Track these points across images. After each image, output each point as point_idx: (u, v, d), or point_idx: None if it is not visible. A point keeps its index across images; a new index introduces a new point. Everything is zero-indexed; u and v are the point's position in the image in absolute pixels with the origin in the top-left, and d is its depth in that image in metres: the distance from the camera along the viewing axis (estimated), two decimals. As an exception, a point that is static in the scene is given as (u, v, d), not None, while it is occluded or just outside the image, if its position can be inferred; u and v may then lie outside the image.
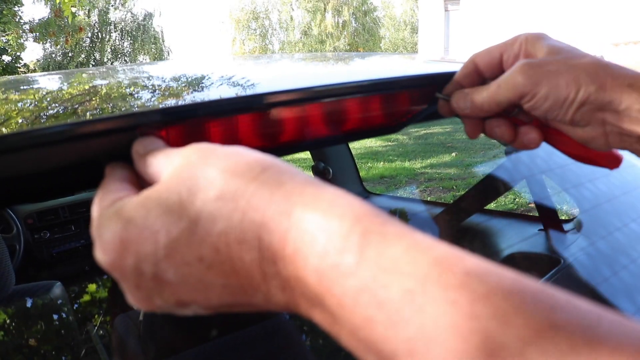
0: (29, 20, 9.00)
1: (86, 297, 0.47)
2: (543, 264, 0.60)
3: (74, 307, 0.46)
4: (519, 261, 0.59)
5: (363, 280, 0.21)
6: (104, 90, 0.47)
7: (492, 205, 0.71)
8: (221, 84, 0.47)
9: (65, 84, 0.56)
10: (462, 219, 0.68)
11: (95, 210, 0.31)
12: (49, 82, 0.59)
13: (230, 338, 0.42)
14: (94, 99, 0.44)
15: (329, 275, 0.22)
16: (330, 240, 0.23)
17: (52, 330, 0.43)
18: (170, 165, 0.30)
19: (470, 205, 0.70)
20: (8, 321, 0.44)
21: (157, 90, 0.46)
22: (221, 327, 0.45)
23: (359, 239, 0.22)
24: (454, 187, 4.16)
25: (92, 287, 0.49)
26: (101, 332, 0.44)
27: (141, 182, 0.36)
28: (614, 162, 0.49)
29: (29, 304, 0.46)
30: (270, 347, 0.43)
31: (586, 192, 0.86)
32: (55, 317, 0.45)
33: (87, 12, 14.89)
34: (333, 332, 0.23)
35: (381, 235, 0.22)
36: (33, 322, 0.44)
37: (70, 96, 0.46)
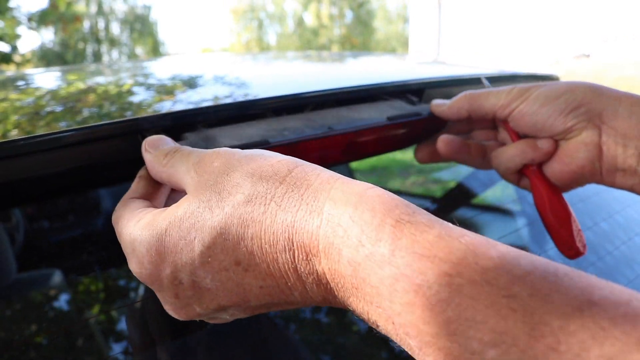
0: (28, 12, 8.81)
1: (84, 286, 0.48)
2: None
3: (73, 296, 0.47)
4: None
5: (399, 268, 0.21)
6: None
7: (479, 199, 0.73)
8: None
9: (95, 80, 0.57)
10: (449, 212, 0.71)
11: (121, 225, 0.31)
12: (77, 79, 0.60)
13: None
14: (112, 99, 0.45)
15: (364, 266, 0.22)
16: (363, 232, 0.23)
17: (50, 319, 0.44)
18: (191, 169, 0.30)
19: (458, 198, 0.72)
20: (8, 310, 0.45)
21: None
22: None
23: (392, 229, 0.22)
24: (443, 180, 4.18)
25: (90, 276, 0.50)
26: (99, 320, 0.45)
27: (156, 186, 0.35)
28: (572, 253, 0.46)
29: (28, 293, 0.47)
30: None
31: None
32: (54, 305, 0.46)
33: (86, 2, 14.67)
34: (371, 319, 0.24)
35: (413, 225, 0.22)
36: (32, 311, 0.45)
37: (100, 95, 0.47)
